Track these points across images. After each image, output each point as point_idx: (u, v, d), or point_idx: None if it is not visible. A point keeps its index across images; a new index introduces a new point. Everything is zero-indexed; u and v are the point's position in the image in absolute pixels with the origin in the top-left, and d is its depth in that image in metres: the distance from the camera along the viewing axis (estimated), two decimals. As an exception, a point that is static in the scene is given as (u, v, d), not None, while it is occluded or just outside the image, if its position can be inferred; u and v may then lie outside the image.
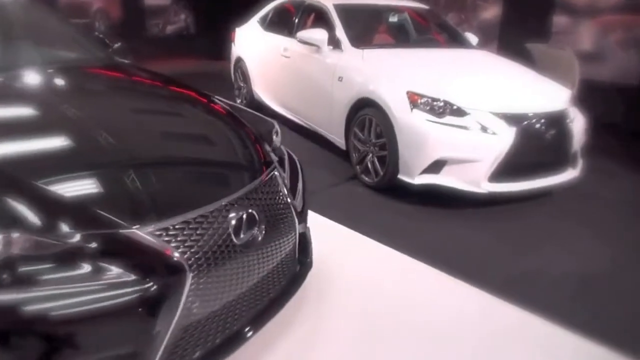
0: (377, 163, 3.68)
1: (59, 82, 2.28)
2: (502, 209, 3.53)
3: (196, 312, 1.55)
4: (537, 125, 3.40)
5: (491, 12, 6.86)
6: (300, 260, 2.16)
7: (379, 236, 3.00)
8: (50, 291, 1.31)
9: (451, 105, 3.33)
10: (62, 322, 1.32)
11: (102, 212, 1.45)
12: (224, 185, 1.74)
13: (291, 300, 2.04)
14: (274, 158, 2.04)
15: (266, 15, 5.67)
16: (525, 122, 3.36)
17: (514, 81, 3.84)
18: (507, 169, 3.35)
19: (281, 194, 1.92)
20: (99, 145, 1.71)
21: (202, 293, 1.55)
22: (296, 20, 4.99)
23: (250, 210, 1.70)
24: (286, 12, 5.37)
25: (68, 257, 1.36)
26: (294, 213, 1.95)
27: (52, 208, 1.43)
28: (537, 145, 3.43)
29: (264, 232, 1.75)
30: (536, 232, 3.27)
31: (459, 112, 3.32)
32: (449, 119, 3.31)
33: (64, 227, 1.39)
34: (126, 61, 2.86)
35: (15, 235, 1.32)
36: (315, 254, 2.68)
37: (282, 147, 2.47)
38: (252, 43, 5.71)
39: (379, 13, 4.87)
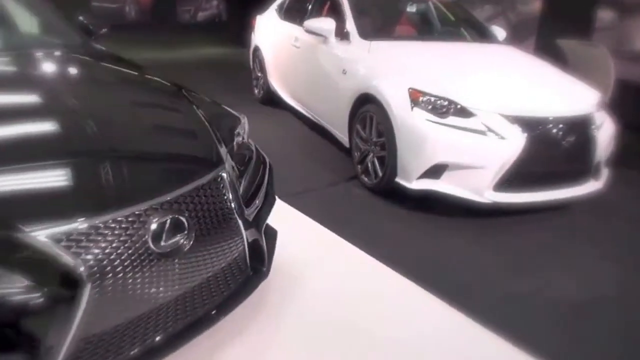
0: (377, 164, 3.47)
1: (9, 68, 2.19)
2: (507, 221, 3.24)
3: (101, 323, 1.42)
4: (554, 131, 3.09)
5: (531, 6, 6.43)
6: (254, 268, 2.01)
7: (364, 242, 2.79)
8: None
9: (455, 104, 3.07)
10: None
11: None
12: (150, 187, 1.58)
13: (252, 305, 1.98)
14: (225, 158, 1.86)
15: (283, 2, 5.50)
16: (540, 127, 3.06)
17: (533, 81, 3.51)
18: (516, 177, 3.07)
19: (224, 198, 1.75)
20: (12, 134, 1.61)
21: (108, 304, 1.42)
22: (309, 8, 4.80)
23: (176, 216, 1.56)
24: (302, -1, 5.19)
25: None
26: (239, 220, 1.79)
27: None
28: (553, 152, 3.12)
29: (193, 239, 1.61)
30: (538, 249, 2.97)
31: (464, 113, 3.06)
32: (452, 119, 3.05)
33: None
34: (102, 48, 2.75)
35: None
36: (288, 256, 2.58)
37: (252, 145, 2.31)
38: (269, 32, 5.57)
39: (397, 3, 4.61)
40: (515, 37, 5.66)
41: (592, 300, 2.51)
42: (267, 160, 2.35)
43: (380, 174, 3.42)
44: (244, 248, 1.88)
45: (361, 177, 3.65)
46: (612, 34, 5.65)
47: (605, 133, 3.31)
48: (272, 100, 5.57)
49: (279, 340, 2.08)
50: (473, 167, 3.02)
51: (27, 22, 2.61)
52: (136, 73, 2.44)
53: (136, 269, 1.47)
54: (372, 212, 3.32)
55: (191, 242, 1.60)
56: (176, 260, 1.58)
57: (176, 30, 10.06)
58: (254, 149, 2.29)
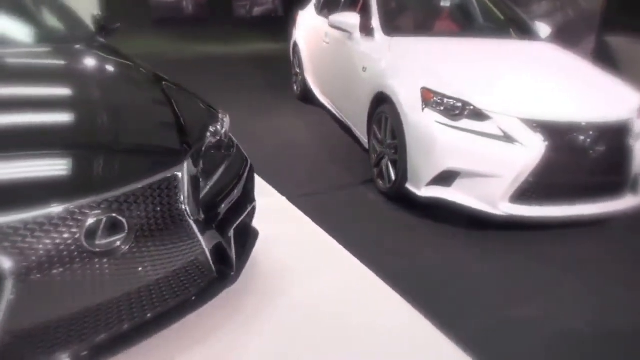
0: (390, 168, 3.31)
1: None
2: (526, 236, 2.97)
3: (29, 319, 1.44)
4: (582, 138, 2.79)
5: (593, 1, 5.90)
6: (221, 272, 1.97)
7: (364, 250, 2.67)
8: None
9: (470, 106, 2.85)
10: None
11: None
12: (91, 184, 1.56)
13: (229, 307, 2.01)
14: (184, 158, 1.81)
15: (321, -3, 5.42)
16: (565, 133, 2.78)
17: (568, 83, 3.20)
18: (536, 189, 2.81)
19: (175, 199, 1.71)
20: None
21: (36, 300, 1.42)
22: (342, 3, 4.68)
23: (113, 215, 1.54)
24: (337, -7, 5.07)
25: None
26: (191, 223, 1.74)
27: None
28: (581, 162, 2.82)
29: (135, 240, 1.59)
30: (552, 270, 2.69)
31: (479, 116, 2.84)
32: (465, 122, 2.84)
33: None
34: (102, 42, 2.78)
35: None
36: (278, 259, 2.58)
37: (234, 144, 2.26)
38: (306, 27, 5.51)
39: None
40: (574, 35, 5.23)
41: (601, 338, 2.23)
42: (248, 161, 2.29)
43: (393, 178, 3.27)
44: (202, 252, 1.83)
45: (377, 181, 3.51)
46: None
47: (647, 142, 2.96)
48: (309, 97, 5.51)
49: (251, 344, 2.02)
50: (486, 175, 2.79)
51: (36, 18, 2.69)
52: (122, 67, 2.45)
53: (66, 267, 1.46)
54: (380, 218, 3.18)
55: (131, 243, 1.58)
56: (114, 261, 1.56)
57: (232, 25, 10.26)
58: (234, 148, 2.25)
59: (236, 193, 2.06)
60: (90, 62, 2.43)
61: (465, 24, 4.27)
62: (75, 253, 1.48)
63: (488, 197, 2.83)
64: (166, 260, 1.72)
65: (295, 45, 5.79)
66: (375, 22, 3.85)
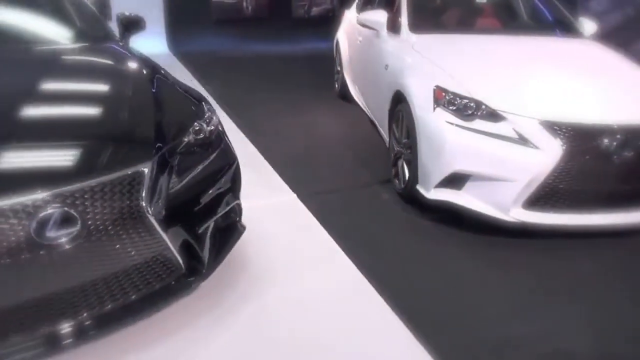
0: (405, 168, 3.18)
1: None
2: (537, 245, 2.73)
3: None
4: (606, 142, 2.52)
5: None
6: (191, 268, 1.98)
7: (366, 253, 2.60)
8: None
9: (483, 106, 2.67)
10: None
11: None
12: (48, 177, 1.61)
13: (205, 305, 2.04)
14: (152, 154, 1.83)
15: (363, -5, 5.32)
16: (585, 136, 2.53)
17: (599, 83, 2.90)
18: (552, 195, 2.59)
19: (137, 196, 1.73)
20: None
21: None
22: (377, 0, 4.56)
23: (65, 209, 1.58)
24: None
25: None
26: (152, 220, 1.75)
27: None
28: (603, 168, 2.56)
29: (89, 234, 1.62)
30: (564, 286, 2.44)
31: (493, 116, 2.64)
32: (478, 123, 2.66)
33: None
34: (115, 41, 2.86)
35: None
36: (270, 256, 2.56)
37: (220, 143, 2.24)
38: (346, 25, 5.44)
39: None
40: (631, 35, 4.77)
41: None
42: (235, 160, 2.28)
43: (407, 179, 3.13)
44: (167, 248, 1.85)
45: (394, 181, 3.38)
46: None
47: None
48: (347, 95, 5.44)
49: (220, 340, 2.01)
50: (497, 179, 2.60)
51: (51, 18, 2.81)
52: (118, 65, 2.54)
53: (14, 257, 1.52)
54: (390, 220, 3.05)
55: (85, 237, 1.61)
56: (66, 253, 1.60)
57: (290, 24, 10.35)
58: (221, 146, 2.24)
59: (212, 191, 2.06)
60: (88, 60, 2.53)
61: (502, 20, 3.99)
62: (24, 245, 1.54)
63: (499, 202, 2.63)
64: (124, 255, 1.75)
65: (337, 43, 5.74)
66: (403, 18, 3.71)
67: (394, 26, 3.77)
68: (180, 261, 1.92)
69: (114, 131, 1.94)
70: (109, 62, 2.54)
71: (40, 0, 2.88)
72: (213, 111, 2.30)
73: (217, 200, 2.10)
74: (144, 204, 1.74)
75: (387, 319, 2.15)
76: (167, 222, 1.82)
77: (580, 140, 2.53)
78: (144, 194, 1.75)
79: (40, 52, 2.46)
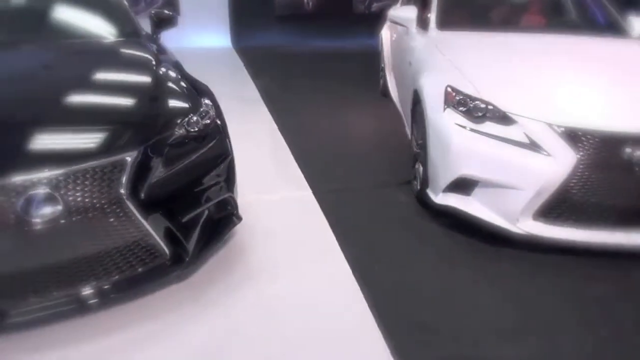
0: (420, 169, 3.08)
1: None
2: (559, 261, 2.52)
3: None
4: (628, 151, 2.29)
5: None
6: (176, 256, 2.07)
7: (365, 256, 2.57)
8: None
9: (494, 108, 2.52)
10: None
11: None
12: (37, 161, 1.77)
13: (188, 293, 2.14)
14: (138, 144, 1.93)
15: (407, -9, 5.19)
16: (603, 144, 2.32)
17: (635, 88, 2.63)
18: (567, 208, 2.40)
19: (117, 183, 1.84)
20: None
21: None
22: (417, -3, 4.43)
23: (49, 192, 1.71)
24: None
25: None
26: (131, 206, 1.86)
27: None
28: (627, 181, 2.33)
29: (70, 215, 1.75)
30: (566, 309, 2.24)
31: (504, 119, 2.50)
32: (488, 126, 2.52)
33: None
34: (143, 35, 3.00)
35: None
36: (269, 251, 2.59)
37: (215, 136, 2.30)
38: (389, 22, 5.34)
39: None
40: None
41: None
42: (229, 154, 2.34)
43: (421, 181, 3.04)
44: (148, 234, 1.94)
45: (412, 183, 3.29)
46: None
47: None
48: (388, 92, 5.36)
49: (197, 330, 2.07)
50: (506, 186, 2.46)
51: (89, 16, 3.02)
52: (132, 58, 2.69)
53: (2, 230, 1.68)
54: (399, 223, 2.96)
55: (66, 217, 1.74)
56: (48, 231, 1.74)
57: (350, 20, 10.30)
58: (216, 139, 2.29)
59: (199, 184, 2.14)
60: (104, 54, 2.70)
61: (541, 18, 3.74)
62: (12, 220, 1.69)
63: (506, 212, 2.49)
64: (105, 237, 1.88)
65: (381, 40, 5.66)
66: (433, 15, 3.58)
67: (423, 23, 3.65)
68: (165, 248, 2.02)
69: (107, 120, 2.09)
70: (121, 56, 2.70)
71: (79, 2, 3.11)
72: (211, 107, 2.37)
73: (205, 192, 2.18)
74: (123, 191, 1.85)
75: (365, 324, 2.10)
76: (148, 209, 1.92)
77: (599, 148, 2.32)
78: (124, 181, 1.86)
79: (66, 45, 2.68)
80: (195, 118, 2.21)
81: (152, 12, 3.31)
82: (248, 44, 9.11)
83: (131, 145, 1.92)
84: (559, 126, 2.38)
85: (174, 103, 2.28)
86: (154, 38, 3.10)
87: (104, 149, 1.89)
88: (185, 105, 2.28)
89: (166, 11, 3.33)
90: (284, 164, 3.74)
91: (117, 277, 1.93)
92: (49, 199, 1.72)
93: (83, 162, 1.80)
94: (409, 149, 3.94)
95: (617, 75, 2.75)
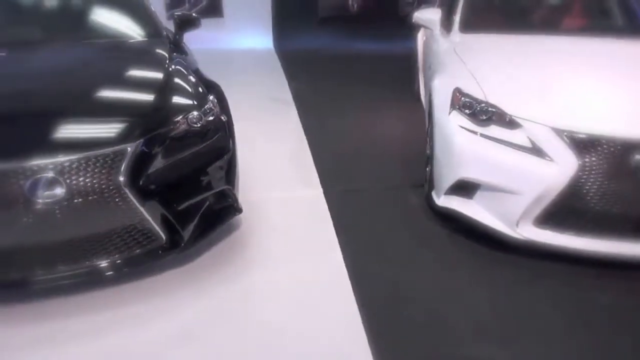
0: (429, 171, 3.14)
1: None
2: (563, 269, 2.52)
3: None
4: (634, 158, 2.26)
5: None
6: (172, 240, 2.27)
7: (363, 256, 2.67)
8: None
9: (498, 111, 2.55)
10: None
11: None
12: (47, 148, 2.01)
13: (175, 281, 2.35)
14: (138, 135, 2.14)
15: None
16: (608, 150, 2.30)
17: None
18: (568, 214, 2.40)
19: (116, 171, 2.05)
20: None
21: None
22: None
23: (53, 176, 1.95)
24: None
25: None
26: (127, 192, 2.06)
27: None
28: (633, 189, 2.30)
29: (72, 198, 1.97)
30: (578, 321, 2.25)
31: (509, 123, 2.52)
32: (493, 129, 2.55)
33: None
34: (165, 37, 3.25)
35: None
36: (267, 246, 2.74)
37: (217, 132, 2.47)
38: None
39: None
40: None
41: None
42: (230, 150, 2.52)
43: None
44: (144, 218, 2.14)
45: (424, 185, 3.34)
46: None
47: None
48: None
49: (191, 313, 2.25)
50: (506, 191, 2.48)
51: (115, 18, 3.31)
52: (149, 57, 2.94)
53: (11, 208, 1.93)
54: (404, 224, 3.03)
55: (68, 200, 1.97)
56: (52, 211, 1.97)
57: (396, 23, 10.33)
58: (219, 135, 2.46)
59: (196, 175, 2.33)
60: (122, 52, 2.97)
61: (572, 19, 3.68)
62: (20, 200, 1.94)
63: (506, 217, 2.51)
64: (104, 220, 2.10)
65: (416, 43, 5.70)
66: (457, 17, 3.62)
67: (447, 25, 3.69)
68: (161, 233, 2.22)
69: (113, 113, 2.33)
70: (137, 55, 2.95)
71: (108, 5, 3.42)
72: (216, 104, 2.54)
73: (201, 184, 2.35)
74: (122, 178, 2.06)
75: (350, 319, 2.21)
76: (145, 196, 2.12)
77: (603, 154, 2.30)
78: (122, 169, 2.07)
79: (89, 44, 2.99)
80: (198, 114, 2.40)
81: (175, 14, 3.54)
82: (289, 46, 9.34)
83: (132, 137, 2.14)
84: (563, 131, 2.38)
85: (178, 99, 2.48)
86: (176, 39, 3.33)
87: (107, 139, 2.11)
88: (190, 102, 2.48)
89: (193, 14, 3.58)
90: (301, 163, 3.88)
91: (116, 256, 2.16)
92: (54, 183, 1.95)
93: (86, 150, 2.02)
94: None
95: (630, 80, 2.70)
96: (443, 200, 2.77)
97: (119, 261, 2.16)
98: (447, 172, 2.71)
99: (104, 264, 2.14)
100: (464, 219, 2.70)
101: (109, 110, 2.34)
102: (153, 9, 3.46)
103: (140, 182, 2.10)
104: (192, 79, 2.69)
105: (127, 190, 2.06)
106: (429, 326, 2.22)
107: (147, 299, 2.29)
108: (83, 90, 2.39)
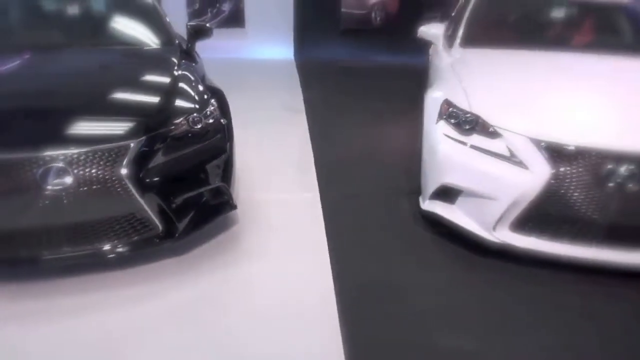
0: (423, 179, 3.35)
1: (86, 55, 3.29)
2: (554, 274, 2.70)
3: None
4: (609, 169, 2.43)
5: None
6: (168, 230, 2.55)
7: (350, 257, 2.88)
8: None
9: (481, 121, 2.76)
10: None
11: None
12: (58, 141, 2.31)
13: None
14: (140, 134, 2.43)
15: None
16: (578, 159, 2.48)
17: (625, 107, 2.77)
18: (542, 220, 2.59)
19: (119, 164, 2.34)
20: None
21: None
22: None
23: (62, 165, 2.24)
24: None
25: None
26: (128, 183, 2.35)
27: None
28: (602, 198, 2.46)
29: (79, 186, 2.27)
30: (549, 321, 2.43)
31: (490, 133, 2.72)
32: (475, 138, 2.76)
33: None
34: (178, 45, 3.57)
35: None
36: (255, 246, 2.98)
37: (215, 134, 2.75)
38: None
39: (544, 6, 4.05)
40: None
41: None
42: (226, 152, 2.79)
43: (423, 190, 3.30)
44: (142, 208, 2.42)
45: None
46: None
47: None
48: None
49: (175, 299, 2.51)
50: (484, 196, 2.68)
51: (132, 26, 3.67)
52: (160, 64, 3.25)
53: (23, 194, 2.25)
54: (394, 229, 3.24)
55: (76, 188, 2.27)
56: (61, 197, 2.27)
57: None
58: (217, 137, 2.74)
59: (192, 172, 2.62)
60: (134, 58, 3.30)
61: (574, 36, 3.87)
62: (33, 186, 2.24)
63: (484, 221, 2.71)
64: (106, 207, 2.39)
65: (428, 57, 5.93)
66: (459, 32, 3.85)
67: (449, 40, 3.92)
68: (157, 222, 2.50)
69: (120, 112, 2.64)
70: (148, 61, 3.28)
71: (126, 15, 3.79)
72: (216, 109, 2.83)
73: (197, 181, 2.64)
74: (123, 171, 2.35)
75: (328, 313, 2.42)
76: (145, 188, 2.41)
77: (575, 164, 2.49)
78: (125, 163, 2.36)
79: (105, 50, 3.34)
80: (198, 116, 2.68)
81: (188, 24, 3.85)
82: (309, 57, 9.64)
83: (136, 134, 2.43)
84: (539, 141, 2.57)
85: (181, 102, 2.77)
86: (188, 47, 3.65)
87: (112, 136, 2.42)
88: (192, 105, 2.77)
89: (205, 24, 3.89)
90: (303, 168, 4.13)
91: (116, 241, 2.44)
92: (63, 172, 2.25)
93: (93, 144, 2.33)
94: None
95: (615, 95, 2.89)
96: (428, 205, 2.98)
97: (118, 245, 2.44)
98: (431, 178, 2.93)
99: (105, 247, 2.43)
100: (447, 223, 2.91)
101: (116, 110, 2.65)
102: (168, 19, 3.80)
103: (141, 175, 2.39)
104: (196, 84, 3.00)
105: (128, 182, 2.34)
106: (404, 319, 2.43)
107: (143, 283, 2.57)
108: (95, 91, 2.72)
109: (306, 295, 2.56)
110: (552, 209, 2.55)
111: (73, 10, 3.54)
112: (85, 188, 2.28)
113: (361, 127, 5.39)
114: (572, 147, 2.51)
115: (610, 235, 2.52)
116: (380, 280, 2.71)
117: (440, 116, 2.95)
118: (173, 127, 2.58)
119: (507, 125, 2.68)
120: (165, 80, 2.90)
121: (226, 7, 9.06)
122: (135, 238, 2.48)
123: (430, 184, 2.93)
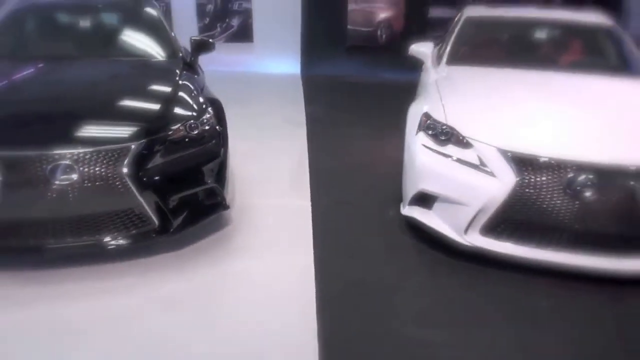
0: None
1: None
2: (527, 277, 2.93)
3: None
4: (570, 178, 2.68)
5: None
6: (163, 226, 2.84)
7: (332, 259, 3.13)
8: None
9: (455, 132, 3.03)
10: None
11: None
12: (66, 141, 2.63)
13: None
14: (141, 137, 2.74)
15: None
16: (541, 169, 2.74)
17: (606, 122, 3.04)
18: (510, 225, 2.85)
19: (120, 164, 2.65)
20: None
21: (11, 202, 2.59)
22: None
23: (69, 163, 2.55)
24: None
25: None
26: (128, 181, 2.65)
27: None
28: (565, 205, 2.71)
29: (84, 182, 2.57)
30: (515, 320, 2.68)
31: (463, 143, 3.00)
32: (450, 148, 3.04)
33: None
34: (182, 57, 3.91)
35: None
36: (252, 244, 3.27)
37: (211, 140, 3.06)
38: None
39: (526, 28, 4.35)
40: None
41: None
42: (219, 155, 3.10)
43: (405, 198, 3.57)
44: (140, 204, 2.72)
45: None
46: None
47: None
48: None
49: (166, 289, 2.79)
50: (456, 202, 2.95)
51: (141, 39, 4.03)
52: (163, 74, 3.59)
53: (34, 187, 2.55)
54: (378, 235, 3.48)
55: (81, 184, 2.57)
56: (66, 192, 2.58)
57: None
58: (212, 142, 3.04)
59: (187, 174, 2.92)
60: (140, 68, 3.65)
61: (554, 57, 4.15)
62: (41, 180, 2.55)
63: (457, 225, 2.97)
64: (107, 201, 2.70)
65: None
66: (447, 50, 4.15)
67: (438, 58, 4.22)
68: (154, 218, 2.79)
69: (123, 117, 2.99)
70: (152, 72, 3.63)
71: (134, 30, 4.16)
72: (212, 116, 3.15)
73: (192, 181, 2.94)
74: (124, 170, 2.65)
75: (306, 308, 2.66)
76: (143, 186, 2.71)
77: (538, 172, 2.74)
78: (126, 163, 2.67)
79: (113, 61, 3.69)
80: (195, 123, 3.00)
81: (192, 38, 4.19)
82: (316, 73, 9.97)
83: (137, 137, 2.76)
84: (506, 151, 2.84)
85: (180, 110, 3.10)
86: (191, 60, 3.98)
87: (115, 138, 2.75)
88: (190, 112, 3.10)
89: (207, 39, 4.24)
90: (297, 177, 4.41)
91: (115, 233, 2.74)
92: (69, 169, 2.56)
93: (98, 145, 2.65)
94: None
95: (580, 110, 3.18)
96: (407, 210, 3.24)
97: (118, 238, 2.74)
98: (410, 185, 3.20)
99: (105, 238, 2.73)
100: (424, 227, 3.16)
101: (120, 115, 2.99)
102: (173, 34, 4.15)
103: (140, 174, 2.70)
104: (195, 94, 3.33)
105: (128, 180, 2.65)
106: (378, 314, 2.68)
107: (140, 273, 2.87)
108: (102, 97, 3.07)
109: (287, 292, 2.83)
110: (518, 215, 2.80)
111: (86, 24, 3.92)
112: (89, 184, 2.59)
113: (360, 140, 5.66)
114: (535, 158, 2.77)
115: (574, 241, 2.77)
116: (360, 282, 2.96)
117: (420, 128, 3.23)
118: (171, 131, 2.90)
119: (478, 137, 2.96)
120: (167, 89, 3.23)
121: (235, 22, 9.46)
122: (134, 232, 2.77)
123: (409, 190, 3.20)
